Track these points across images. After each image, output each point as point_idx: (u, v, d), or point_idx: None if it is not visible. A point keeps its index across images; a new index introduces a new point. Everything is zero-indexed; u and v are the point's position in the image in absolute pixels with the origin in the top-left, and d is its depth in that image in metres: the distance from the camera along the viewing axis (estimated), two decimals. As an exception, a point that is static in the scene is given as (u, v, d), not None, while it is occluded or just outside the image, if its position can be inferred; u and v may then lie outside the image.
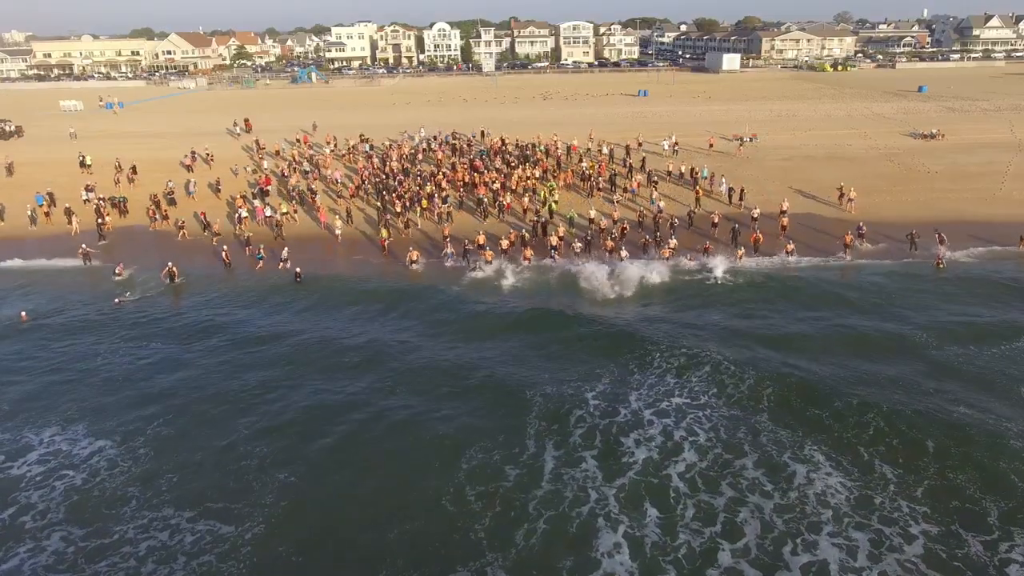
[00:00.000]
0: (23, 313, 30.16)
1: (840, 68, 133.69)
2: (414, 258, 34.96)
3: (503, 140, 53.66)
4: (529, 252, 34.89)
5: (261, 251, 36.69)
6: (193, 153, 52.06)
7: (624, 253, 34.42)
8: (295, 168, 49.36)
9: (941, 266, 33.52)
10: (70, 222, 40.57)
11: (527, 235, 37.05)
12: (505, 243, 35.77)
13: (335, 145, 55.25)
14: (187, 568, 16.66)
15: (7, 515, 18.40)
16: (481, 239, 36.15)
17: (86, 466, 20.22)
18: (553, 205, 42.24)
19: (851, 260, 34.88)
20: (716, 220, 38.24)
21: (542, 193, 43.02)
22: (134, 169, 48.16)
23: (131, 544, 17.36)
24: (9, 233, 41.22)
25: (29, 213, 41.53)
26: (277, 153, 53.55)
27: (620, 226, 37.86)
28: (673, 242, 35.42)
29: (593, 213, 39.13)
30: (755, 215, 39.13)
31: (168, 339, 28.12)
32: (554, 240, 35.72)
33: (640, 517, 17.75)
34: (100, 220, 40.69)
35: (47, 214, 41.99)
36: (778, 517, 17.72)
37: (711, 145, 53.18)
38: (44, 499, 18.95)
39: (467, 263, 34.64)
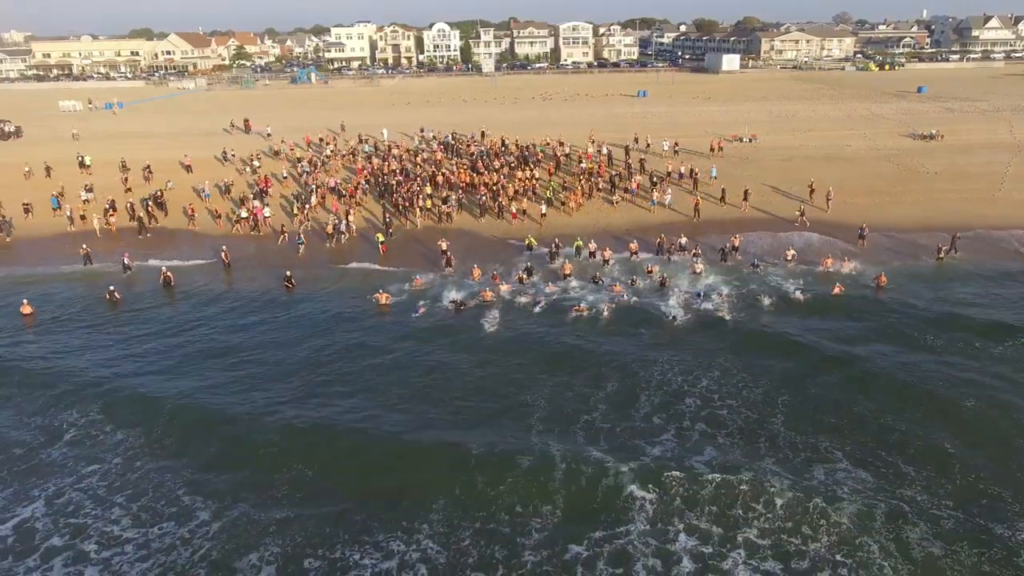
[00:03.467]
0: (24, 302, 30.61)
1: (887, 67, 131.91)
2: (384, 300, 30.55)
3: (503, 141, 53.65)
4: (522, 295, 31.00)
5: (301, 236, 38.42)
6: (224, 153, 52.46)
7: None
8: (312, 168, 49.41)
9: (942, 258, 34.22)
10: (107, 222, 41.33)
11: (524, 276, 32.78)
12: (504, 287, 31.72)
13: (335, 146, 55.25)
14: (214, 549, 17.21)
15: (42, 499, 18.98)
16: (476, 274, 32.96)
17: (104, 456, 20.74)
18: (551, 193, 42.63)
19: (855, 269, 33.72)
20: (736, 244, 35.63)
21: (546, 193, 42.82)
22: (149, 169, 48.22)
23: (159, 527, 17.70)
24: (47, 231, 41.45)
25: (68, 215, 41.99)
26: (276, 154, 53.57)
27: (647, 269, 33.16)
28: (707, 282, 31.78)
29: (593, 245, 35.41)
30: (790, 256, 34.59)
31: (163, 335, 28.26)
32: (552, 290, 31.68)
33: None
34: (146, 217, 41.80)
35: (83, 217, 41.97)
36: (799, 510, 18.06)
37: (720, 148, 52.74)
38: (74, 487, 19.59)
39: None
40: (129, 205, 42.63)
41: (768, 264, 34.26)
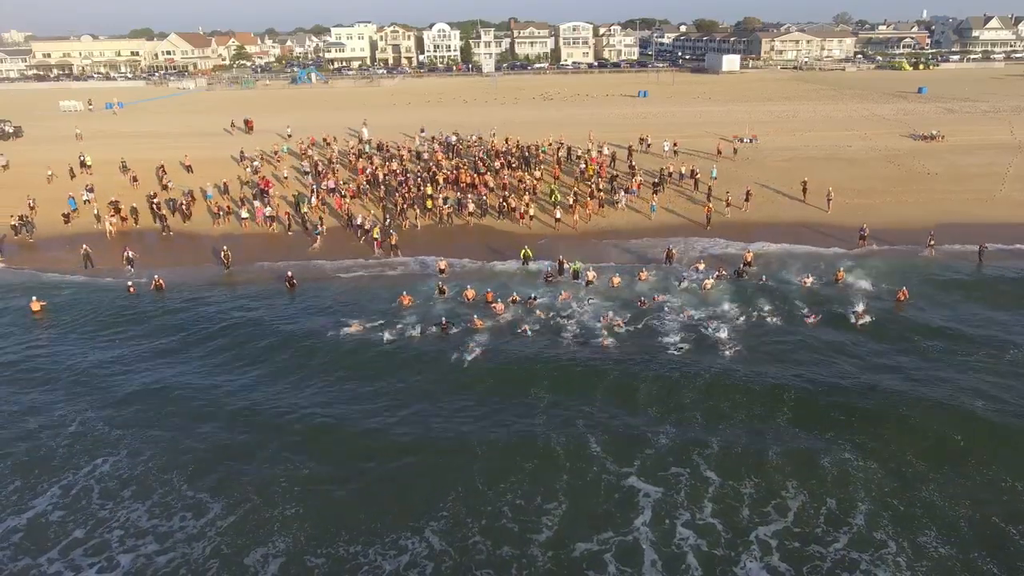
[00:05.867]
0: (34, 298, 30.82)
1: (922, 66, 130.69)
2: (353, 330, 28.21)
3: (507, 141, 53.53)
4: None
5: (319, 227, 39.27)
6: (242, 153, 52.34)
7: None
8: (330, 167, 49.57)
9: (932, 246, 35.38)
10: (136, 221, 41.62)
11: (516, 297, 30.37)
12: (498, 306, 29.63)
13: (335, 147, 55.22)
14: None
15: (47, 497, 19.20)
16: (469, 295, 30.96)
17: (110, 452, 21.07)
18: (558, 196, 42.38)
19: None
20: (749, 259, 33.95)
21: (553, 197, 42.51)
22: (163, 168, 48.25)
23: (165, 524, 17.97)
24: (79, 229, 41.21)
25: (95, 212, 41.99)
26: (276, 153, 53.55)
27: (641, 302, 29.91)
28: (714, 300, 29.64)
29: (591, 274, 32.69)
30: (808, 281, 31.91)
31: (165, 334, 28.42)
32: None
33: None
34: (169, 215, 42.09)
35: (120, 217, 41.90)
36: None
37: (734, 151, 52.27)
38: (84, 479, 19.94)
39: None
40: (154, 205, 42.59)
41: (779, 275, 32.86)
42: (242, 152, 52.62)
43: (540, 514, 18.14)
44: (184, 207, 42.84)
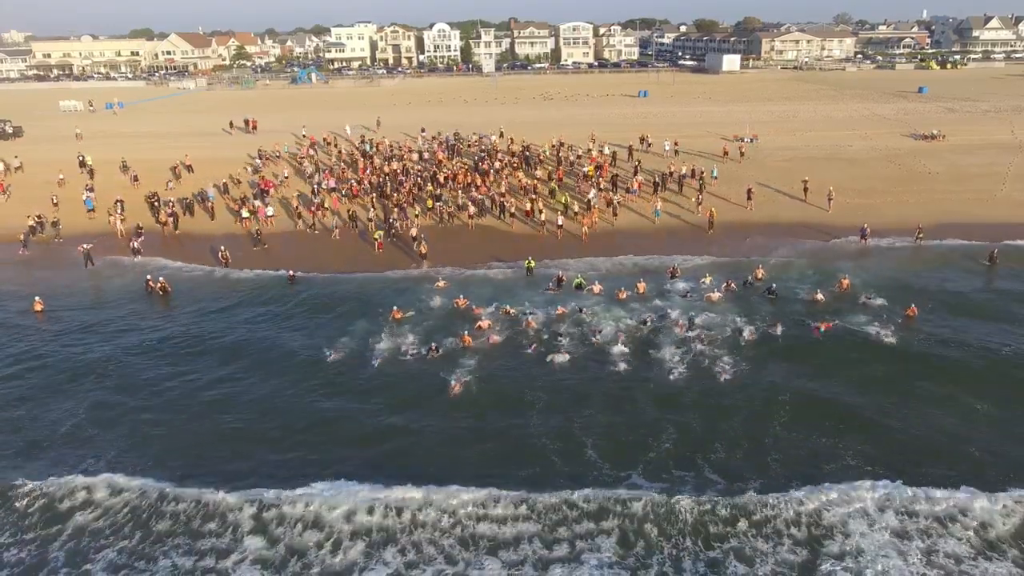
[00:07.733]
0: (36, 298, 30.85)
1: (949, 66, 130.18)
2: (342, 343, 27.23)
3: (510, 142, 53.47)
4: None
5: (336, 222, 40.64)
6: (260, 152, 52.44)
7: None
8: (339, 164, 49.91)
9: (921, 238, 37.00)
10: (162, 221, 41.45)
11: (509, 309, 29.34)
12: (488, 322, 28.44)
13: (335, 145, 55.27)
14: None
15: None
16: (462, 303, 30.05)
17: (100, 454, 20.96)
18: (565, 200, 42.17)
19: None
20: (760, 275, 32.43)
21: (562, 199, 42.27)
22: (177, 167, 48.53)
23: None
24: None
25: (118, 211, 41.69)
26: (278, 155, 53.51)
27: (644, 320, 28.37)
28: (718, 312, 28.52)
29: (597, 287, 31.56)
30: (818, 297, 30.34)
31: (166, 330, 28.31)
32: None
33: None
34: (181, 212, 42.15)
35: (160, 222, 41.47)
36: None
37: (741, 153, 51.61)
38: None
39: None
40: (169, 203, 42.52)
41: (783, 284, 31.55)
42: (260, 151, 52.67)
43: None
44: (210, 206, 42.99)
